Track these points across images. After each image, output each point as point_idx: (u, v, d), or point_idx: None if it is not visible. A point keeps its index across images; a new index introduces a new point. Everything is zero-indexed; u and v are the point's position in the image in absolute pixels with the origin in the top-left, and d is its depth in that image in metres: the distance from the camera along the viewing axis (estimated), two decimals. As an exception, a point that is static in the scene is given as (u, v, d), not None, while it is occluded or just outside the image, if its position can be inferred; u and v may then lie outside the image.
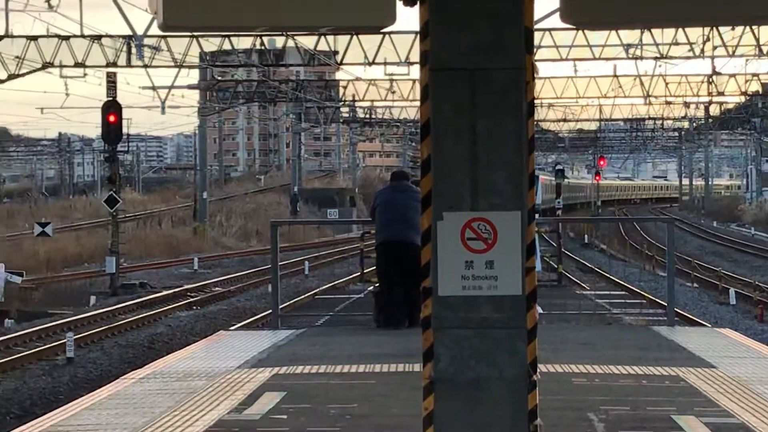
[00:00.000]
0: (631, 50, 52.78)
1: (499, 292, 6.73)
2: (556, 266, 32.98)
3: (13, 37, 46.47)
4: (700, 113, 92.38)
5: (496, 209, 6.73)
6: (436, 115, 6.77)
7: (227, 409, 11.61)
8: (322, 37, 49.37)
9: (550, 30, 50.41)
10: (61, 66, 47.86)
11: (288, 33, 44.32)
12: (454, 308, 6.74)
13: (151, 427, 10.83)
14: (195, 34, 45.22)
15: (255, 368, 14.16)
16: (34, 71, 47.48)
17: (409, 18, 7.81)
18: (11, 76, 47.32)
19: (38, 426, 11.24)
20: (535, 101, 6.87)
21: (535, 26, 6.87)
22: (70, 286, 45.83)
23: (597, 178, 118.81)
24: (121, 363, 26.26)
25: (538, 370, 6.84)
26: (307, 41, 51.50)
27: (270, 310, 20.60)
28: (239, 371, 13.97)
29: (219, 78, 68.94)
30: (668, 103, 76.41)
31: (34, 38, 46.96)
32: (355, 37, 49.45)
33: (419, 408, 6.98)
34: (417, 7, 6.94)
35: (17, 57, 46.78)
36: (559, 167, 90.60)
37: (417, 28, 6.92)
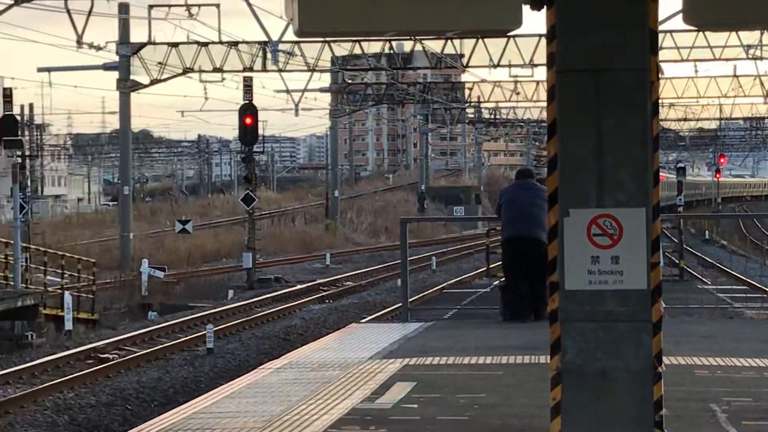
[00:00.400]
0: (751, 51, 52.07)
1: (624, 287, 6.70)
2: (677, 262, 32.62)
3: (155, 44, 47.12)
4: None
5: (621, 206, 6.70)
6: (563, 114, 6.75)
7: (360, 398, 11.65)
8: (449, 41, 49.32)
9: (671, 32, 49.95)
10: (201, 71, 48.39)
11: (416, 37, 44.34)
12: (581, 302, 6.72)
13: (288, 414, 10.90)
14: (327, 39, 45.47)
15: (386, 359, 14.20)
16: (175, 76, 48.08)
17: (533, 21, 7.79)
18: (153, 81, 47.97)
19: (181, 413, 11.37)
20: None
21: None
22: (209, 281, 46.33)
23: (717, 175, 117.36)
24: (258, 353, 26.46)
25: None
26: (435, 45, 51.50)
27: (399, 304, 20.64)
28: (371, 362, 14.02)
29: (350, 81, 69.16)
30: (788, 101, 75.17)
31: (175, 45, 47.55)
32: (480, 40, 49.35)
33: (545, 398, 6.96)
34: (543, 10, 6.93)
35: (159, 63, 47.42)
36: (680, 165, 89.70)
37: (542, 31, 6.90)
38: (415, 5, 7.19)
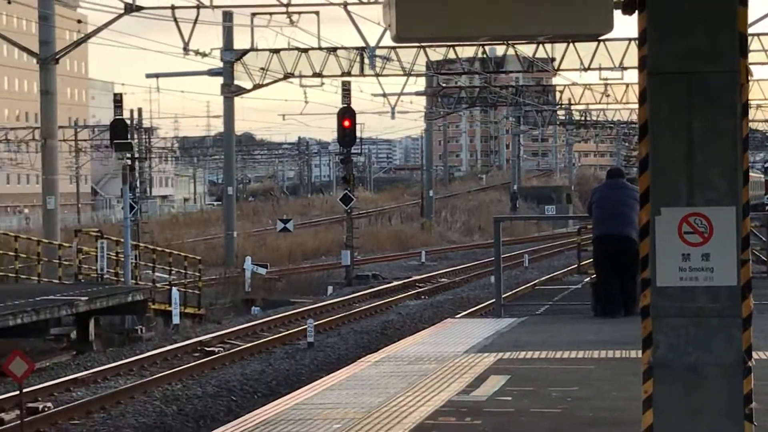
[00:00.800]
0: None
1: (714, 283, 6.66)
2: (765, 259, 32.20)
3: (258, 50, 47.44)
4: None
5: (711, 204, 6.66)
6: (654, 116, 6.72)
7: (456, 390, 11.65)
8: (541, 45, 49.13)
9: (758, 35, 49.37)
10: (301, 76, 48.63)
11: (509, 42, 44.24)
12: (672, 298, 6.69)
13: (387, 405, 10.93)
14: (423, 45, 45.48)
15: (480, 353, 14.19)
16: (277, 81, 48.35)
17: (623, 25, 7.74)
18: (256, 86, 48.29)
19: (284, 404, 11.45)
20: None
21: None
22: (309, 277, 46.55)
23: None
24: (356, 347, 26.53)
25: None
26: (527, 49, 51.31)
27: (493, 300, 20.61)
28: (466, 356, 14.01)
29: (444, 85, 69.14)
30: None
31: (277, 51, 47.83)
32: (571, 44, 49.11)
33: (636, 392, 6.92)
34: (635, 15, 6.91)
35: (262, 68, 47.73)
36: (767, 165, 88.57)
37: (631, 35, 6.88)
38: (508, 11, 7.21)
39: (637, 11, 6.85)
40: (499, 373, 12.63)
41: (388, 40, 41.98)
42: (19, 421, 16.94)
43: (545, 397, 11.14)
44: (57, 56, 35.43)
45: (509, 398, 11.18)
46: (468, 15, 7.30)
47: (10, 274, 33.18)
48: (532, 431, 9.68)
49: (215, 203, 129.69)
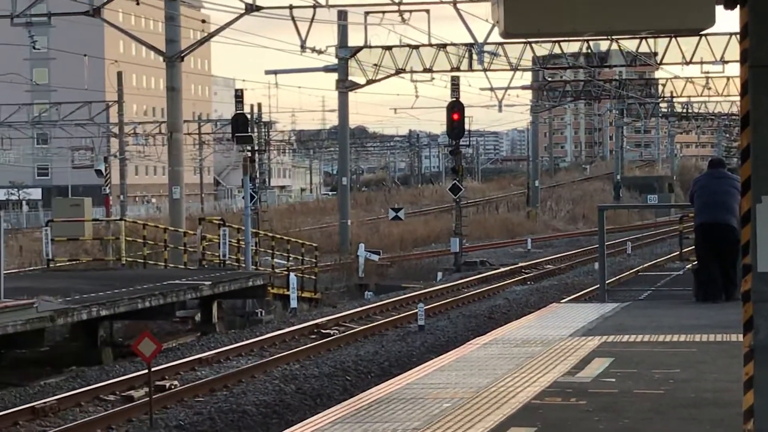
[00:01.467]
0: None
1: (814, 268, 6.58)
2: None
3: (371, 47, 47.56)
4: None
5: (811, 192, 6.58)
6: (755, 107, 6.65)
7: (561, 372, 11.60)
8: (644, 40, 48.65)
9: None
10: (412, 71, 48.67)
11: (613, 37, 43.86)
12: (772, 283, 6.62)
13: (495, 386, 10.92)
14: (530, 40, 45.27)
15: (585, 336, 14.11)
16: (389, 76, 48.44)
17: (725, 20, 7.66)
18: (369, 81, 48.42)
19: (397, 383, 11.48)
20: None
21: None
22: (419, 263, 46.59)
23: None
24: (465, 330, 26.51)
25: None
26: (630, 44, 50.86)
27: (597, 285, 20.47)
28: (571, 339, 13.94)
29: (549, 79, 68.73)
30: None
31: (389, 48, 47.91)
32: (673, 39, 48.57)
33: (736, 374, 6.85)
34: (736, 10, 6.84)
35: (375, 65, 47.84)
36: None
37: (733, 29, 6.80)
38: (612, 7, 7.18)
39: (738, 6, 6.78)
40: (603, 355, 12.55)
41: (495, 36, 41.79)
42: (147, 398, 17.21)
43: (648, 379, 11.06)
44: (182, 54, 35.83)
45: (613, 380, 11.11)
46: (573, 11, 7.29)
47: (139, 260, 33.67)
48: (636, 411, 9.61)
49: (330, 193, 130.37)
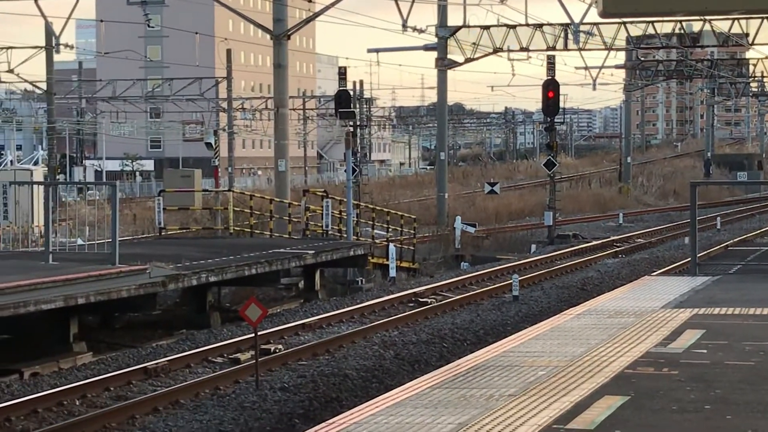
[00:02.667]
0: None
1: None
2: None
3: (469, 27, 47.34)
4: None
5: None
6: None
7: (653, 343, 11.49)
8: (736, 21, 47.82)
9: None
10: (509, 50, 48.35)
11: (706, 18, 43.19)
12: None
13: (589, 355, 10.84)
14: (624, 20, 44.73)
15: (676, 309, 13.96)
16: (486, 55, 48.17)
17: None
18: (467, 60, 48.20)
19: (494, 351, 11.45)
20: None
21: None
22: (514, 236, 46.37)
23: None
24: (558, 301, 26.34)
25: None
26: (722, 24, 50.03)
27: (687, 259, 20.21)
28: (662, 311, 13.80)
29: (642, 59, 67.92)
30: None
31: (487, 28, 47.65)
32: (765, 20, 47.69)
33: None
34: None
35: (473, 44, 47.62)
36: None
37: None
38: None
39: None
40: (695, 327, 12.41)
41: (591, 17, 41.21)
42: (254, 361, 17.34)
43: (739, 351, 10.90)
44: (289, 33, 35.93)
45: (704, 351, 10.98)
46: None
47: (246, 229, 33.90)
48: (727, 382, 9.48)
49: (428, 167, 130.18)
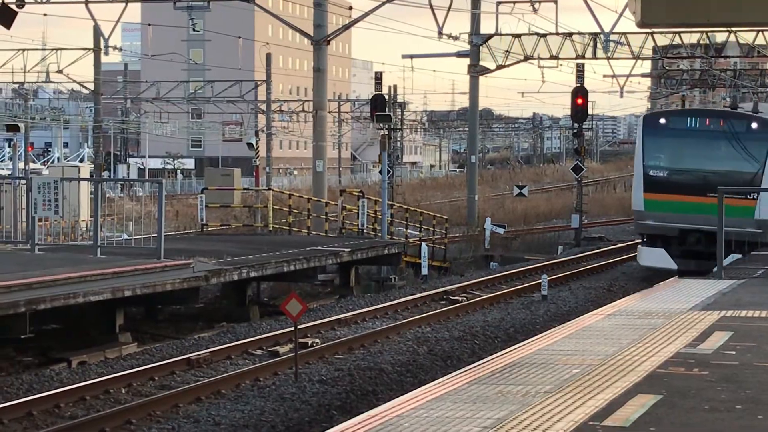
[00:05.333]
0: None
1: None
2: None
3: (501, 35, 47.24)
4: None
5: None
6: None
7: (683, 343, 11.42)
8: (760, 32, 47.57)
9: None
10: (539, 58, 48.22)
11: (731, 29, 43.00)
12: None
13: (620, 354, 10.78)
14: (652, 30, 44.54)
15: (704, 311, 13.87)
16: (517, 62, 48.06)
17: None
18: (499, 66, 48.11)
19: (527, 348, 11.39)
20: None
21: None
22: (542, 237, 46.26)
23: None
24: (585, 301, 26.25)
25: None
26: (747, 36, 49.77)
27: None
28: (691, 312, 13.71)
29: (668, 68, 67.65)
30: None
31: (518, 36, 47.54)
32: (789, 32, 47.42)
33: None
34: None
35: (505, 51, 47.52)
36: None
37: None
38: (739, 1, 6.99)
39: None
40: (723, 329, 12.32)
41: (620, 26, 41.01)
42: (292, 354, 17.34)
43: (767, 353, 10.82)
44: (328, 38, 35.94)
45: (733, 352, 10.90)
46: (706, 3, 7.12)
47: (284, 227, 33.94)
48: (757, 383, 9.40)
49: (457, 170, 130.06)
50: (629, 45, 48.53)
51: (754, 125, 27.69)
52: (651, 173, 28.38)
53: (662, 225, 27.80)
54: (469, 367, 10.52)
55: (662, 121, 28.60)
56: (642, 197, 28.39)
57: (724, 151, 27.71)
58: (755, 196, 26.87)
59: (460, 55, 49.07)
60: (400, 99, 73.76)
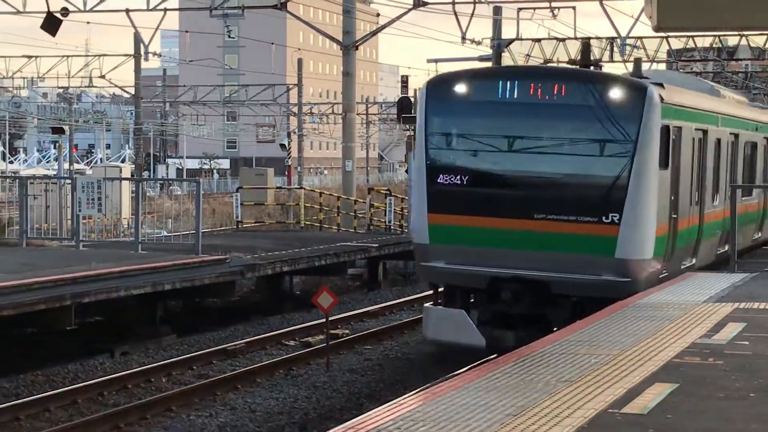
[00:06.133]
0: None
1: None
2: None
3: (522, 39, 47.15)
4: None
5: None
6: None
7: (698, 334, 11.36)
8: (771, 36, 47.35)
9: None
10: (558, 61, 48.07)
11: (742, 33, 42.79)
12: None
13: (637, 345, 10.74)
14: (667, 34, 44.37)
15: (718, 303, 13.80)
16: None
17: None
18: (519, 70, 48.04)
19: (549, 341, 11.35)
20: None
21: None
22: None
23: None
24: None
25: None
26: (758, 39, 49.54)
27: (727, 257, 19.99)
28: (705, 305, 13.65)
29: (681, 70, 67.37)
30: None
31: (538, 40, 47.46)
32: (798, 35, 47.16)
33: None
34: None
35: (526, 55, 47.44)
36: None
37: None
38: (756, 5, 6.95)
39: None
40: (736, 320, 12.26)
41: (636, 31, 40.83)
42: (324, 344, 17.37)
43: (779, 344, 10.77)
44: (357, 44, 35.94)
45: (747, 343, 10.84)
46: (721, 8, 7.09)
47: (315, 224, 33.97)
48: (770, 373, 9.36)
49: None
50: (645, 49, 48.39)
51: (618, 94, 15.28)
52: (440, 180, 15.85)
53: (460, 270, 15.71)
54: (492, 357, 10.49)
55: (458, 89, 15.90)
56: (425, 221, 15.93)
57: (566, 139, 15.46)
58: (616, 218, 15.05)
59: (482, 59, 48.91)
60: (425, 101, 73.60)
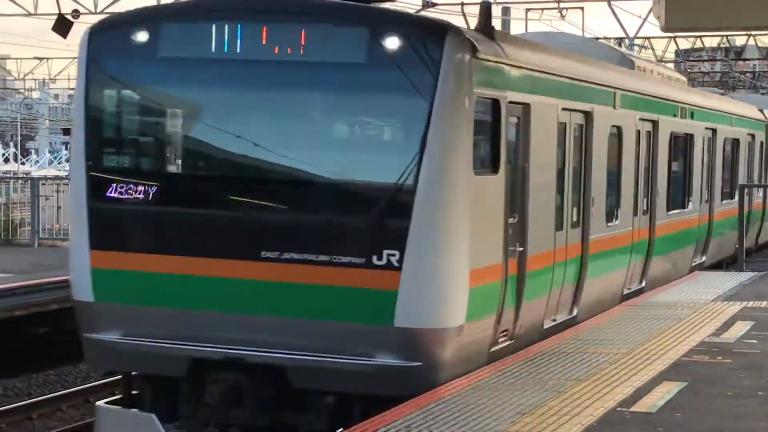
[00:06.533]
0: None
1: None
2: None
3: (530, 39, 47.25)
4: None
5: None
6: None
7: (707, 333, 11.37)
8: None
9: None
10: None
11: (750, 33, 42.78)
12: None
13: (649, 342, 10.75)
14: (675, 34, 44.34)
15: (727, 302, 13.81)
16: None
17: None
18: (528, 70, 48.03)
19: (558, 339, 11.35)
20: None
21: None
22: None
23: None
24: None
25: None
26: (765, 39, 49.53)
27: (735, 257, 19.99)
28: (714, 304, 13.66)
29: (689, 70, 67.34)
30: None
31: (545, 40, 47.51)
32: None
33: None
34: None
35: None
36: None
37: None
38: (760, 6, 6.97)
39: None
40: (745, 319, 12.27)
41: (644, 31, 40.92)
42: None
43: (789, 342, 10.78)
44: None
45: (755, 341, 10.85)
46: (728, 8, 7.10)
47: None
48: (778, 371, 9.37)
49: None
50: (653, 49, 48.37)
51: (397, 44, 8.88)
52: (111, 193, 9.60)
53: (146, 347, 9.47)
54: (509, 357, 10.52)
55: (138, 39, 9.55)
56: (87, 262, 9.83)
57: (313, 123, 9.30)
58: (395, 259, 8.68)
59: (490, 59, 49.03)
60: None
